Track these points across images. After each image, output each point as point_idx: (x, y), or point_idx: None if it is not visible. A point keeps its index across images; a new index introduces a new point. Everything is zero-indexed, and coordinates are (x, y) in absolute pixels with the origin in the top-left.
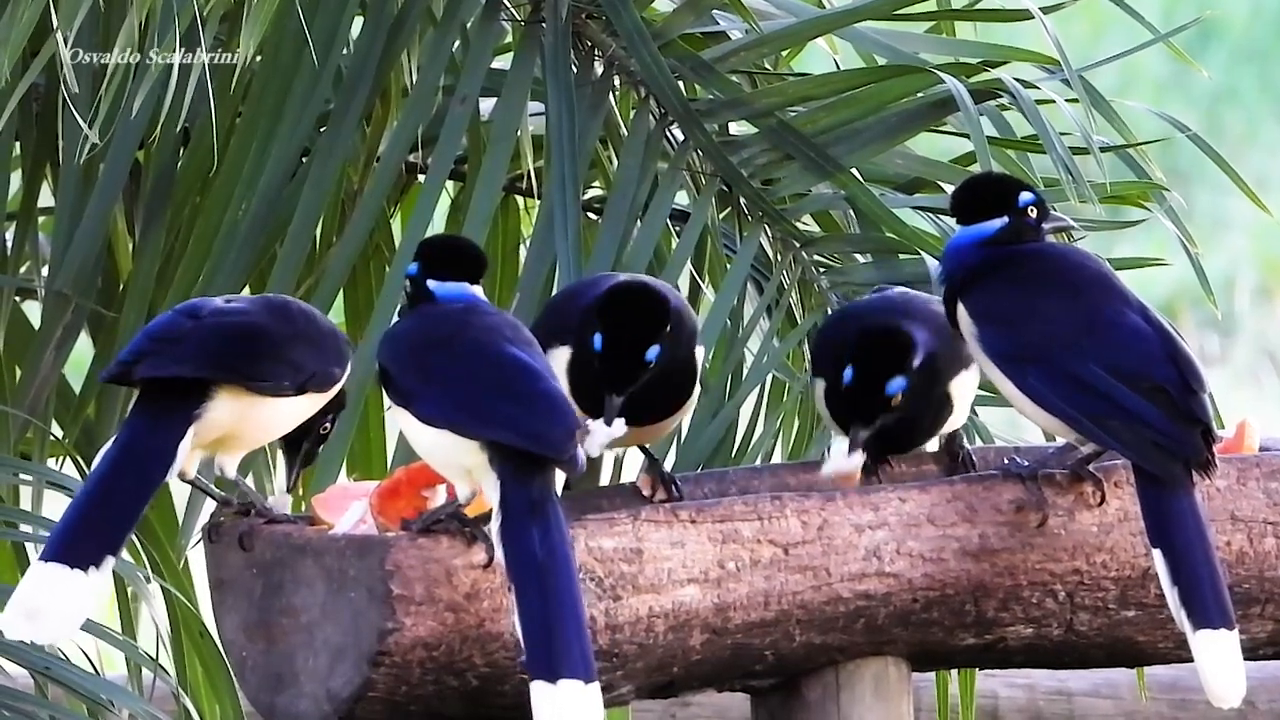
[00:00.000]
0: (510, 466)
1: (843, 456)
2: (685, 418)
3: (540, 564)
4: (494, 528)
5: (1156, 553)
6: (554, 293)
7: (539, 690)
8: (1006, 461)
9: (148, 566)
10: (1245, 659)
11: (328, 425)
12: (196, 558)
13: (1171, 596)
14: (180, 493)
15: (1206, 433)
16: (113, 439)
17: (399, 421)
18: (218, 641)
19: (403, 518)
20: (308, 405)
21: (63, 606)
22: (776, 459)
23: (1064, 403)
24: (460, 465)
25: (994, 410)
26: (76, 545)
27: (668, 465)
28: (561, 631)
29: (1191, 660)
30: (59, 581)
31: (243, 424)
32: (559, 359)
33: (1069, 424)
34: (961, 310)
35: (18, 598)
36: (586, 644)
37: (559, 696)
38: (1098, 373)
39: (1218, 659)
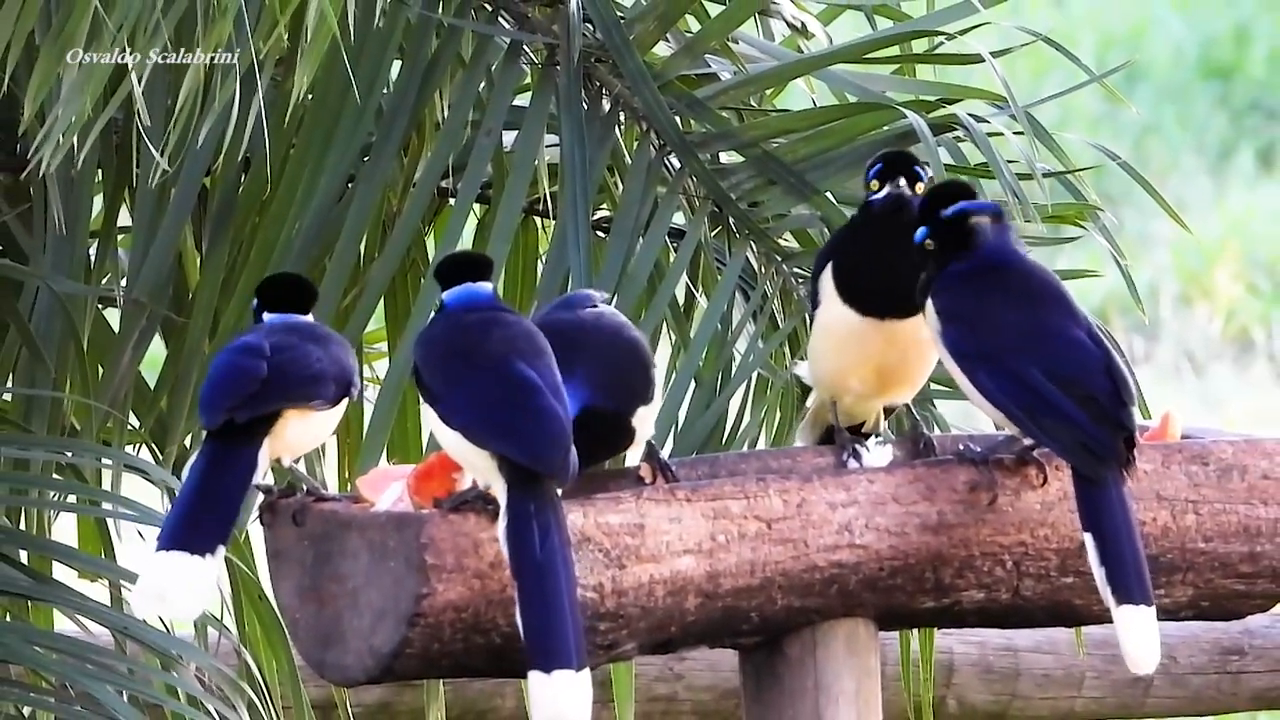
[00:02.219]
0: (516, 474)
1: (877, 455)
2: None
3: (540, 564)
4: (500, 528)
5: (1087, 536)
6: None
7: (535, 679)
8: (961, 448)
9: None
10: (1167, 619)
11: None
12: (255, 531)
13: (1099, 575)
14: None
15: (1130, 440)
16: (199, 453)
17: (427, 415)
18: (274, 604)
19: (435, 497)
20: (339, 413)
21: (189, 587)
22: (761, 446)
23: (1006, 398)
24: (473, 465)
25: (951, 404)
26: (194, 535)
27: (665, 453)
28: (557, 626)
29: None
30: (183, 566)
31: (302, 435)
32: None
33: (1010, 418)
34: (929, 307)
35: (145, 582)
36: (579, 637)
37: (553, 684)
38: (1037, 376)
39: (1136, 631)
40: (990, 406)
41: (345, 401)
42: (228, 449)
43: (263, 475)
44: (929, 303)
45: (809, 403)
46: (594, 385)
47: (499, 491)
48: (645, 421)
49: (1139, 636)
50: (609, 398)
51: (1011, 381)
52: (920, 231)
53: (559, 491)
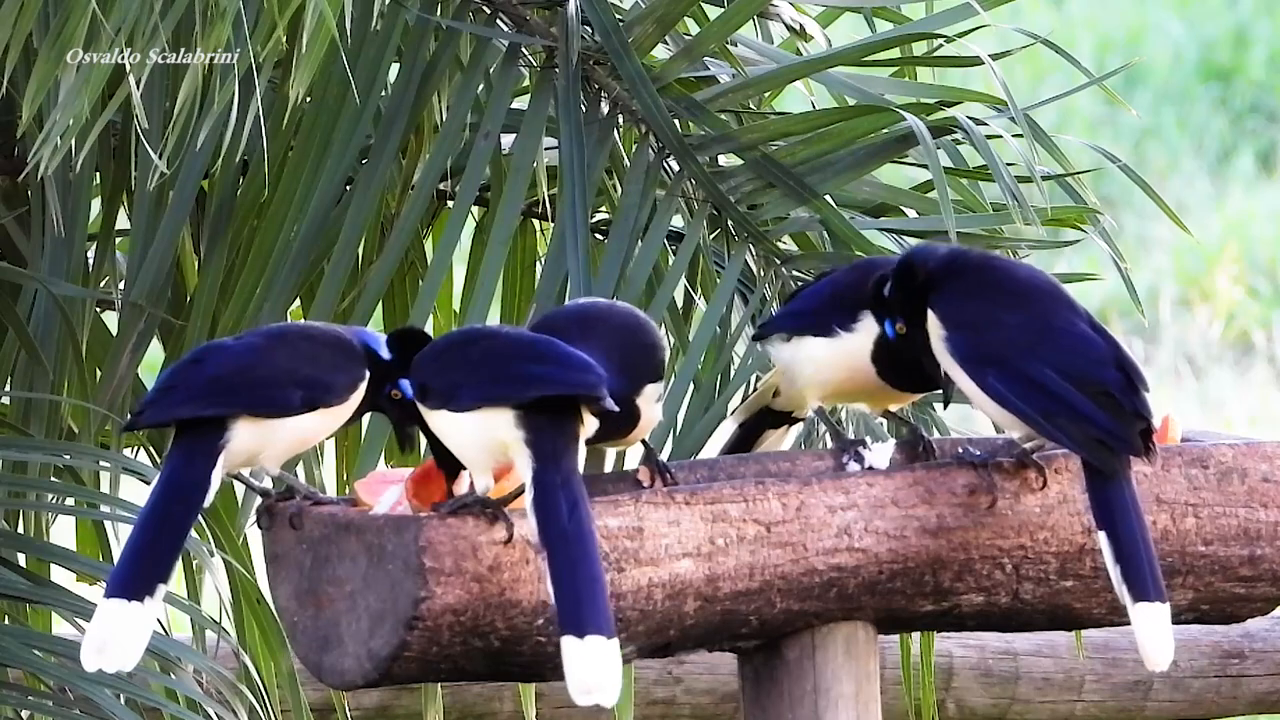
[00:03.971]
0: (543, 441)
1: (876, 456)
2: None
3: (569, 533)
4: (527, 499)
5: (1101, 535)
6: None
7: (569, 644)
8: (961, 451)
9: (211, 542)
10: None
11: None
12: (254, 534)
13: (1114, 573)
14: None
15: (1147, 429)
16: (157, 477)
17: (438, 426)
18: (272, 607)
19: (434, 500)
20: (327, 417)
21: (125, 637)
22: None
23: (1019, 401)
24: (496, 447)
25: (950, 408)
26: (131, 580)
27: (664, 455)
28: (588, 593)
29: (1122, 624)
30: (119, 615)
31: (267, 444)
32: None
33: (1023, 420)
34: (931, 317)
35: (90, 635)
36: (607, 605)
37: (586, 650)
38: (1049, 374)
39: (1152, 628)
40: (1001, 410)
41: (325, 411)
42: (181, 469)
43: (214, 492)
44: (929, 314)
45: (759, 384)
46: (598, 363)
47: (523, 466)
48: (650, 401)
49: (1155, 634)
50: (613, 376)
51: (1022, 383)
52: (887, 329)
53: (580, 468)
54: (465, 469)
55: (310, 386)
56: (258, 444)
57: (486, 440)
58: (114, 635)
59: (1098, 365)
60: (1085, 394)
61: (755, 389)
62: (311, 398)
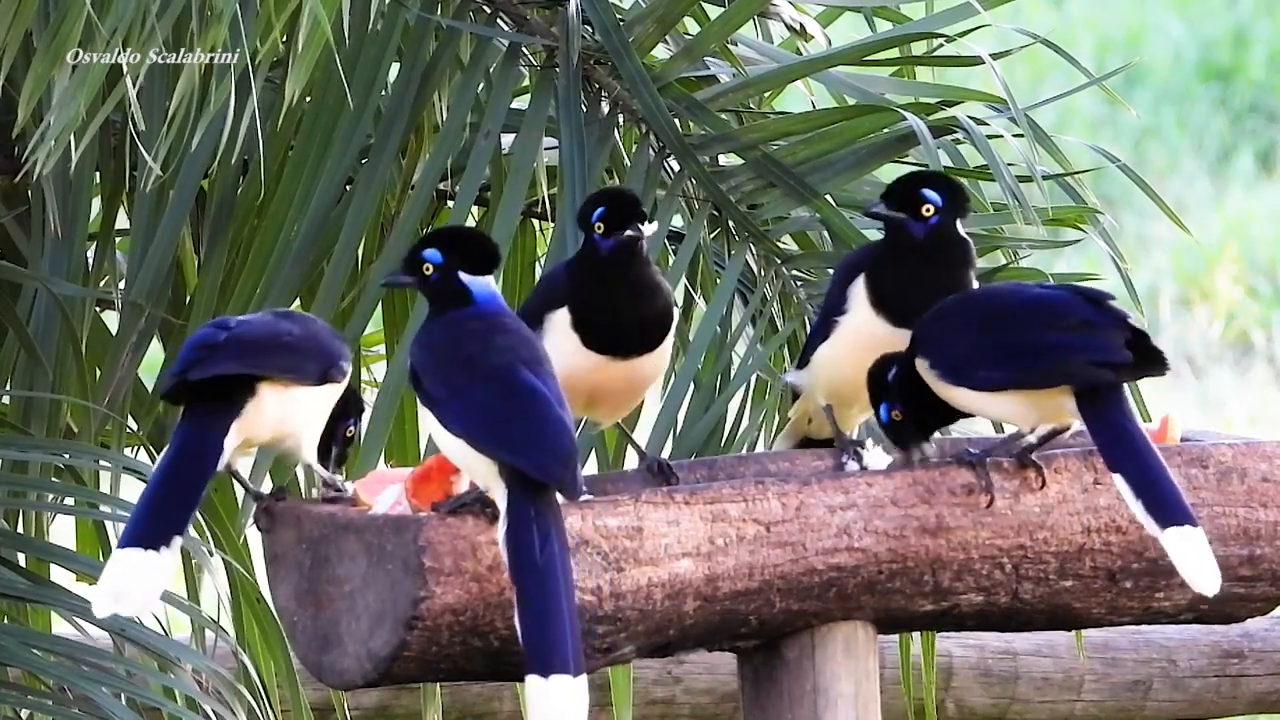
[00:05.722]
0: (518, 481)
1: (876, 457)
2: (663, 365)
3: (540, 569)
4: (500, 532)
5: (1117, 477)
6: None
7: (533, 683)
8: (960, 450)
9: (210, 542)
10: (1168, 622)
11: (351, 429)
12: (254, 534)
13: (1137, 508)
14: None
15: (1140, 337)
16: (170, 441)
17: (426, 418)
18: (272, 607)
19: (433, 500)
20: (328, 395)
21: (141, 584)
22: (760, 448)
23: (1011, 373)
24: (478, 469)
25: None
26: (148, 530)
27: (665, 454)
28: (555, 632)
29: (1122, 624)
30: (136, 563)
31: (278, 414)
32: (558, 321)
33: (1019, 387)
34: (919, 361)
35: (104, 581)
36: (576, 642)
37: (550, 689)
38: (1027, 334)
39: (1190, 550)
40: (998, 402)
41: (331, 386)
42: (197, 432)
43: (229, 458)
44: (918, 360)
45: (790, 413)
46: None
47: (499, 496)
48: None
49: (1194, 555)
50: None
51: (1005, 355)
52: (882, 412)
53: (559, 498)
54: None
55: (323, 359)
56: (270, 413)
57: (466, 462)
58: (130, 582)
59: (1063, 307)
60: (1063, 332)
61: (789, 419)
62: (325, 370)
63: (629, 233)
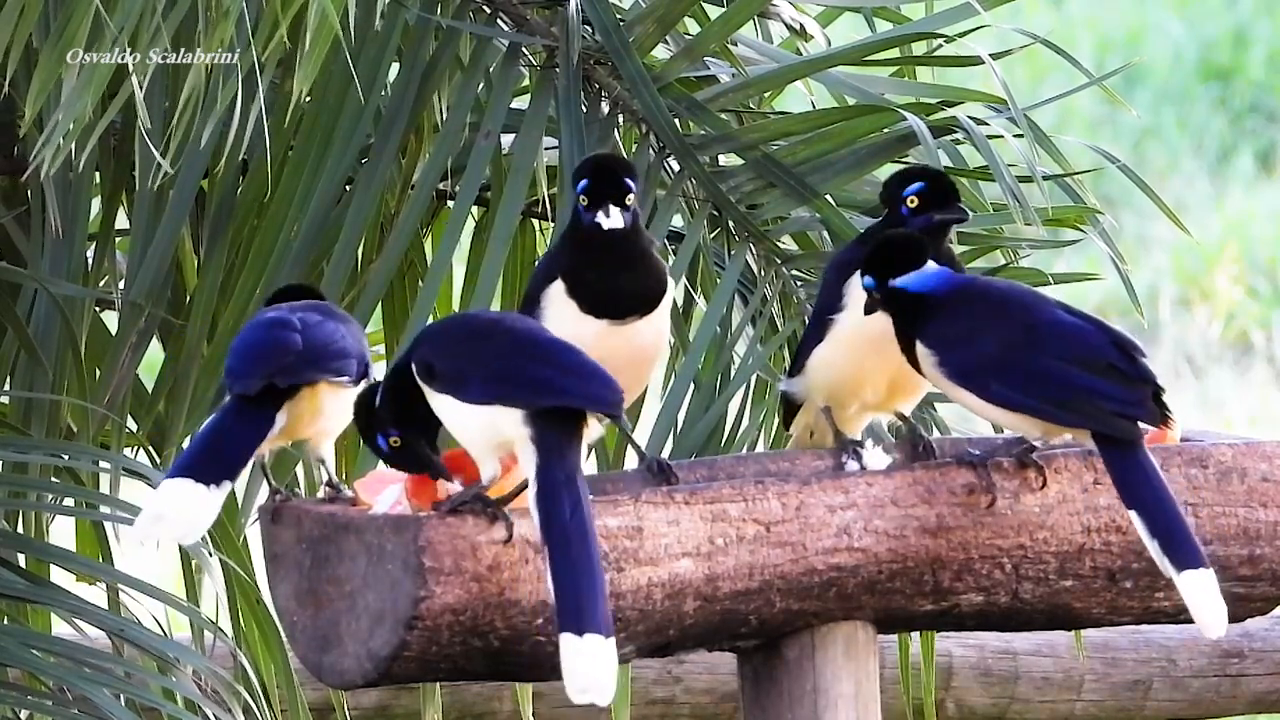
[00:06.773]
0: (549, 440)
1: (876, 457)
2: (663, 336)
3: (570, 531)
4: (530, 495)
5: (1133, 513)
6: None
7: (567, 641)
8: (960, 451)
9: (210, 542)
10: (1168, 622)
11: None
12: (253, 535)
13: (1153, 547)
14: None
15: (1157, 392)
16: (220, 408)
17: (441, 408)
18: (271, 608)
19: (433, 500)
20: (356, 394)
21: (186, 512)
22: (760, 448)
23: (1027, 398)
24: (501, 441)
25: (950, 406)
26: (202, 466)
27: (665, 454)
28: (588, 591)
29: (1122, 624)
30: (185, 493)
31: (323, 410)
32: (555, 293)
33: (1035, 415)
34: (920, 347)
35: (148, 507)
36: (606, 605)
37: (584, 647)
38: (1050, 364)
39: (1202, 594)
40: (1008, 415)
41: (363, 384)
42: (252, 404)
43: (273, 436)
44: (918, 344)
45: (792, 430)
46: None
47: (527, 462)
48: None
49: (1206, 600)
50: None
51: (1026, 380)
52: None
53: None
54: (439, 478)
55: (361, 361)
56: (317, 407)
57: (492, 434)
58: (175, 508)
59: (1093, 346)
60: (1090, 372)
61: (789, 435)
62: (363, 372)
63: (608, 225)
